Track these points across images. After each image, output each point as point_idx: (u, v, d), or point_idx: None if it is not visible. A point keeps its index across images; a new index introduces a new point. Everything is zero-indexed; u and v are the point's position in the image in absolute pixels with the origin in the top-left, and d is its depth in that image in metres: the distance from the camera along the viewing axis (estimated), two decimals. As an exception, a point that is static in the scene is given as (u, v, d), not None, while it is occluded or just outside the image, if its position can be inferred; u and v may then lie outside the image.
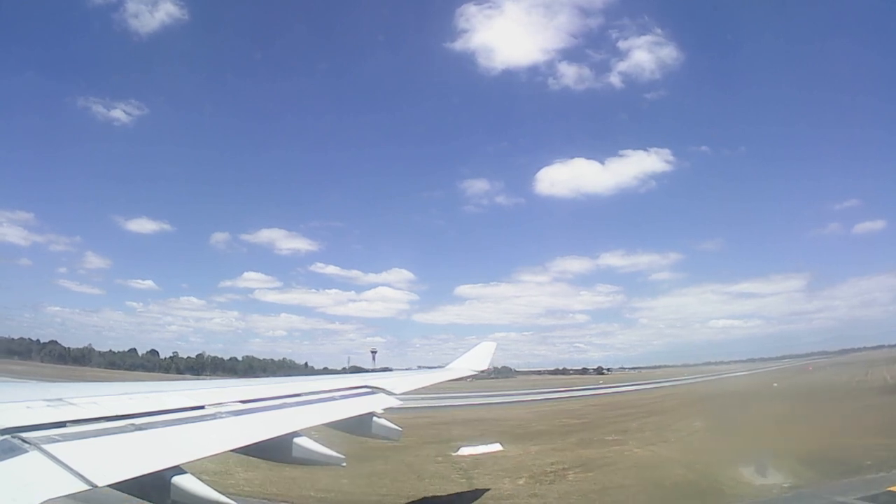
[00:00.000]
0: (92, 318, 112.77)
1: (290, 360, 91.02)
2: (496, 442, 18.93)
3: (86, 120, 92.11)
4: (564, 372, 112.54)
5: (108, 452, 2.82)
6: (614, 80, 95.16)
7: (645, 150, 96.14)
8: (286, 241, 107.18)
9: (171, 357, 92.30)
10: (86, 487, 2.41)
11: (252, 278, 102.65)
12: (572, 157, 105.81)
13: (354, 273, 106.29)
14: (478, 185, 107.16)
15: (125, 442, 3.00)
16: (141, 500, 3.01)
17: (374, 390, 5.67)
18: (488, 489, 12.72)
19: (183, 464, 3.08)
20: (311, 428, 4.37)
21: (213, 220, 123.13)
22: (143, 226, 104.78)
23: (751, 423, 23.29)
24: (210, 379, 31.71)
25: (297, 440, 4.08)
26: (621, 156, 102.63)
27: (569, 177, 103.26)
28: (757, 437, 18.02)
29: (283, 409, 4.45)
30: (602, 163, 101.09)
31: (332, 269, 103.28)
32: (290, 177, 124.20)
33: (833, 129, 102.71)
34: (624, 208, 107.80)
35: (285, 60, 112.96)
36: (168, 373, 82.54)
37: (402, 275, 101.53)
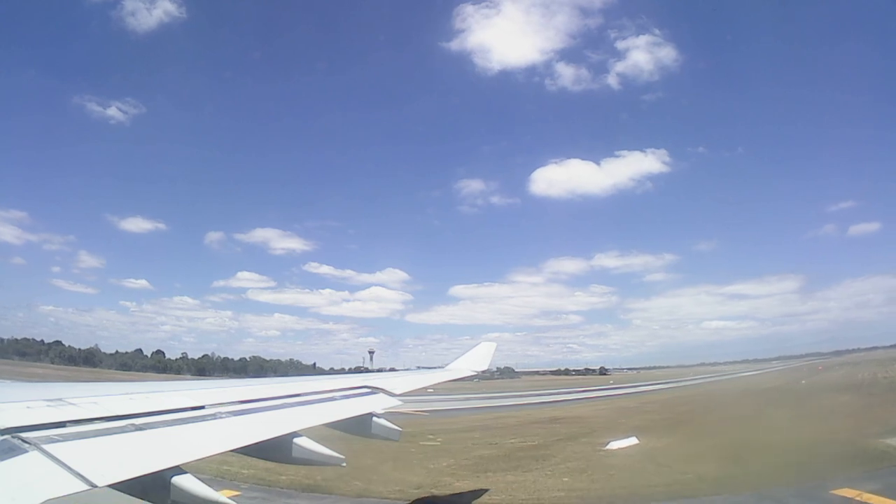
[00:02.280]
0: (85, 317, 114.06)
1: (298, 361, 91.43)
2: (630, 436, 19.09)
3: (81, 118, 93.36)
4: (566, 372, 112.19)
5: (108, 452, 2.83)
6: (612, 80, 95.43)
7: (642, 150, 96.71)
8: (280, 241, 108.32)
9: (180, 357, 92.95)
10: (86, 487, 2.42)
11: (246, 278, 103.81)
12: (568, 158, 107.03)
13: (348, 273, 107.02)
14: (473, 186, 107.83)
15: (125, 442, 3.02)
16: (141, 501, 3.03)
17: (374, 390, 5.69)
18: (487, 489, 12.61)
19: (183, 464, 3.11)
20: (312, 428, 4.39)
21: (208, 220, 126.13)
22: (137, 225, 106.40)
23: (838, 410, 24.10)
24: (219, 379, 31.79)
25: (296, 440, 4.10)
26: (617, 156, 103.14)
27: (564, 177, 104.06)
28: (863, 419, 19.19)
29: (283, 409, 4.47)
30: (598, 163, 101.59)
31: (325, 269, 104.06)
32: (284, 176, 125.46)
33: (830, 130, 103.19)
34: (619, 209, 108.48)
35: (282, 60, 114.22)
36: (180, 374, 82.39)
37: (396, 275, 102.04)
